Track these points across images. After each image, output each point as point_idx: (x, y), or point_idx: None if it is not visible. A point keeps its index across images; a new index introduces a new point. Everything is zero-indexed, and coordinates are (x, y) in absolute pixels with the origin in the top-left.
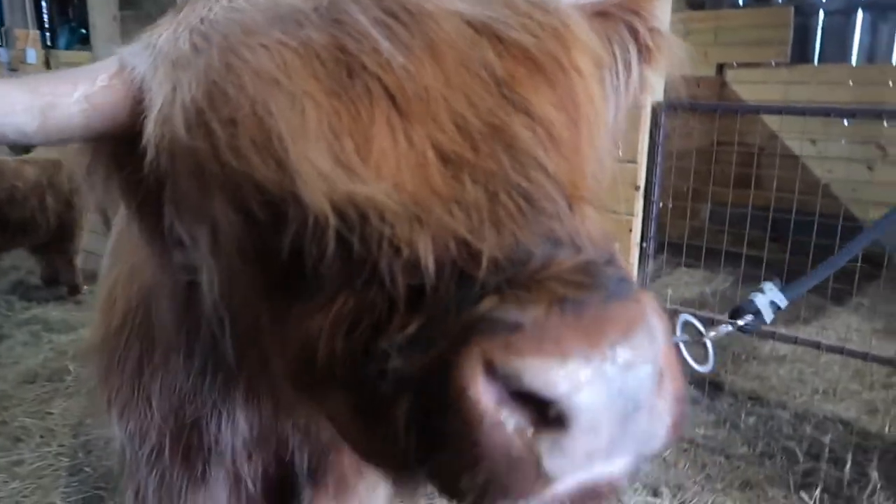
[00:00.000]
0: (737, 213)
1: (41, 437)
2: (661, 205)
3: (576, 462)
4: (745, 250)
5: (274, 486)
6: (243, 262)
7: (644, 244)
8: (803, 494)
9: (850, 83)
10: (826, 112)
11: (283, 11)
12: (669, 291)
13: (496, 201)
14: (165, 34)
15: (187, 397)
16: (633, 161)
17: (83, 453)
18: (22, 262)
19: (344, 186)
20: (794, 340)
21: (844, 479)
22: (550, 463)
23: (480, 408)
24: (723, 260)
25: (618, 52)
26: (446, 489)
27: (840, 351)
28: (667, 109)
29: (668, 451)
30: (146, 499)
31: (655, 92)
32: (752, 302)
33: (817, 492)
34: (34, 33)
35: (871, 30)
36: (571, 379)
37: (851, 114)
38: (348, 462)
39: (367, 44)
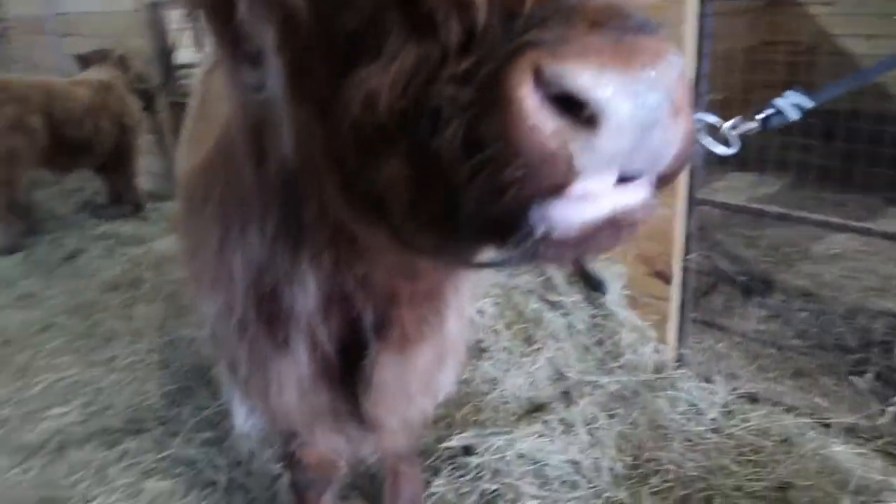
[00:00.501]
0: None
1: (130, 337)
2: (710, 97)
3: (601, 160)
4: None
5: (345, 346)
6: (310, 46)
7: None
8: (854, 379)
9: None
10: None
11: None
12: (720, 197)
13: None
14: None
15: (264, 268)
16: (680, 53)
17: (170, 350)
18: (86, 184)
19: None
20: (867, 231)
21: (893, 363)
22: (581, 158)
23: (527, 106)
24: (769, 166)
25: None
26: (490, 205)
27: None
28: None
29: (721, 344)
30: (238, 368)
31: None
32: (773, 106)
33: (869, 376)
34: None
35: None
36: (607, 85)
37: None
38: (409, 317)
39: None
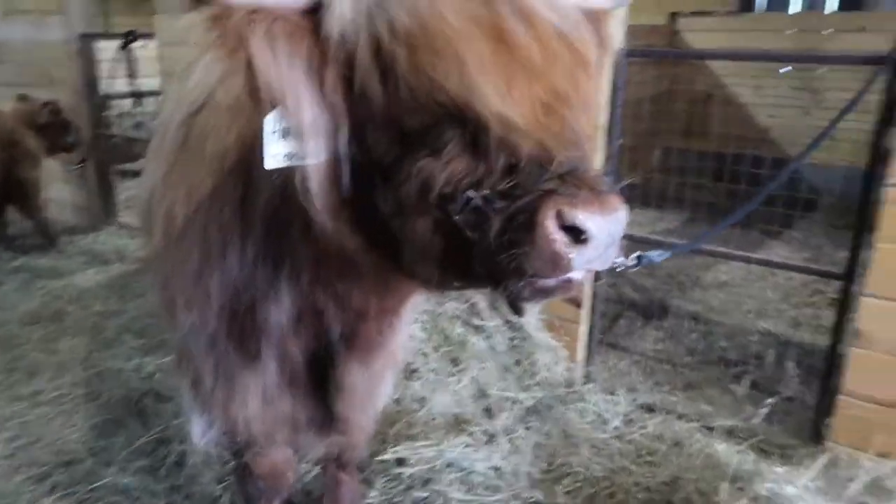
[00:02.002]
0: (686, 158)
1: (54, 371)
2: (621, 142)
3: (584, 262)
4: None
5: (314, 358)
6: (378, 125)
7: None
8: (734, 388)
9: (791, 31)
10: (771, 58)
11: None
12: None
13: (565, 132)
14: None
15: (242, 287)
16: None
17: (97, 382)
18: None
19: (498, 106)
20: (747, 259)
21: (766, 373)
22: (574, 259)
23: (551, 230)
24: (667, 203)
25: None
26: (509, 274)
27: (775, 265)
28: (626, 56)
29: (623, 361)
30: (202, 381)
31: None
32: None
33: (745, 384)
34: None
35: None
36: (595, 223)
37: (794, 59)
38: (374, 328)
39: (509, 27)
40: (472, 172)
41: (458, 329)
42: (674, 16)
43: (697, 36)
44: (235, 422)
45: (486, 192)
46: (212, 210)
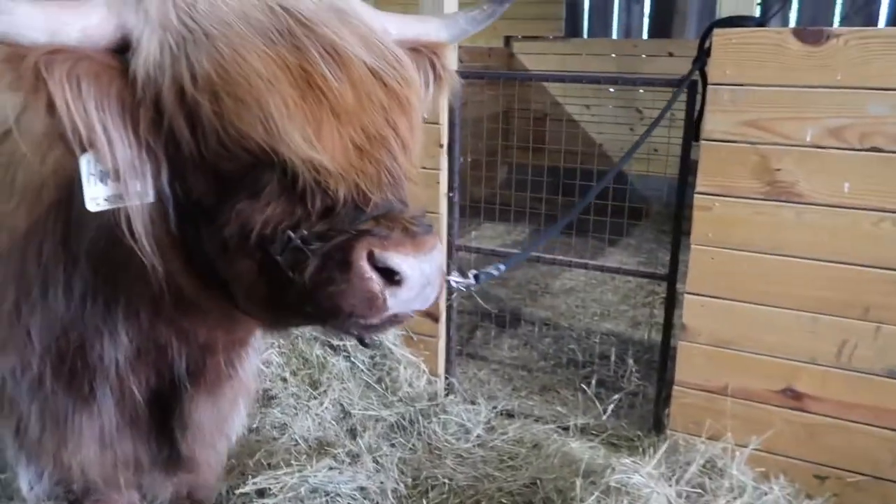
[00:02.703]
0: (528, 173)
1: None
2: (462, 160)
3: (400, 302)
4: (526, 207)
5: (156, 395)
6: (195, 170)
7: (451, 194)
8: (584, 387)
9: (613, 55)
10: (597, 80)
11: (257, 25)
12: (474, 243)
13: (380, 175)
14: (156, 4)
15: (69, 324)
16: (437, 122)
17: None
18: None
19: (306, 153)
20: (585, 266)
21: (611, 371)
22: (390, 300)
23: (363, 271)
24: (513, 217)
25: (423, 77)
26: (329, 313)
27: (608, 269)
28: (463, 77)
29: (483, 371)
30: (28, 428)
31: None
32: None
33: (593, 383)
34: None
35: (627, 8)
36: (408, 264)
37: (614, 81)
38: (222, 361)
39: (318, 70)
40: (290, 215)
41: (318, 350)
42: (508, 39)
43: (531, 59)
44: (69, 469)
45: (303, 233)
46: (29, 246)
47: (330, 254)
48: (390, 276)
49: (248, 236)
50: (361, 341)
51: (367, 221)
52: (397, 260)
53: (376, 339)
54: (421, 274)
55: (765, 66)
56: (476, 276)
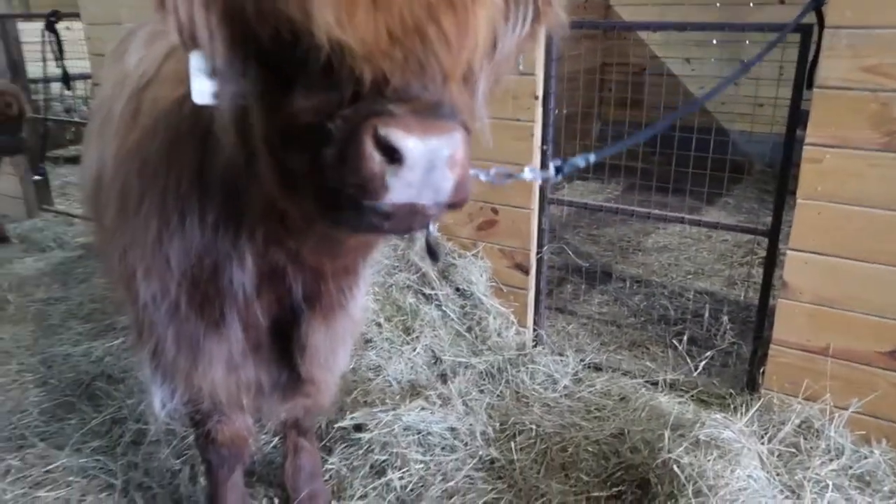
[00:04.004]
0: (626, 129)
1: None
2: (556, 112)
3: (404, 184)
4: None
5: (277, 322)
6: (269, 78)
7: (545, 147)
8: (675, 343)
9: (717, 4)
10: (702, 27)
11: None
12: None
13: (407, 62)
14: None
15: (203, 251)
16: (532, 73)
17: (45, 368)
18: None
19: (336, 34)
20: (681, 220)
21: (703, 329)
22: (390, 179)
23: (366, 147)
24: (607, 173)
25: (517, 9)
26: (342, 199)
27: (705, 224)
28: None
29: (571, 325)
30: (164, 351)
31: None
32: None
33: (685, 340)
34: None
35: None
36: (410, 141)
37: (721, 27)
38: (333, 289)
39: None
40: (327, 102)
41: (410, 299)
42: None
43: (628, 10)
44: (199, 389)
45: (336, 120)
46: (169, 178)
47: (341, 134)
48: (392, 155)
49: (297, 128)
50: (431, 252)
51: (386, 105)
52: (398, 136)
53: (438, 259)
54: (424, 154)
55: (889, 7)
56: (558, 169)
